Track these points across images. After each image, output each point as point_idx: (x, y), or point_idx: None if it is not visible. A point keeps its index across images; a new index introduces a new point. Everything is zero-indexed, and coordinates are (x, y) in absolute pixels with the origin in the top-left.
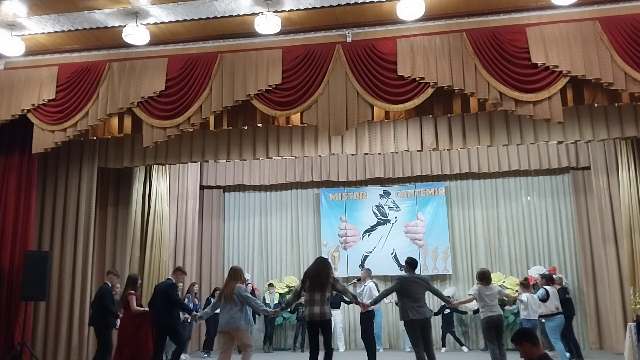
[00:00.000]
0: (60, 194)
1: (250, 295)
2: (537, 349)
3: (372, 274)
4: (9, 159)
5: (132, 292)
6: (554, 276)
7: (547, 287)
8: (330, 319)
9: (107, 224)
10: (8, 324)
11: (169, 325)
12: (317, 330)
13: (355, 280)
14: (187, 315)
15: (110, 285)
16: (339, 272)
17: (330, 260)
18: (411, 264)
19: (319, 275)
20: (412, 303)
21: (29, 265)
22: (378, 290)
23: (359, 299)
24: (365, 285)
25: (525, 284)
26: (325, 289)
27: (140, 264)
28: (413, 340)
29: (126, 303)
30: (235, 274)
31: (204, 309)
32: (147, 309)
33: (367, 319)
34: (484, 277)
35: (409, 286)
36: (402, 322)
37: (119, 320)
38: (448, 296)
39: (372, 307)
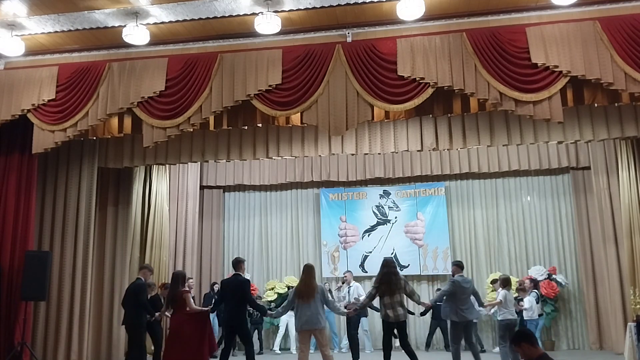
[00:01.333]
0: (60, 194)
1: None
2: (535, 349)
3: (373, 274)
4: (9, 159)
5: (187, 289)
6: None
7: (535, 290)
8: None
9: (107, 224)
10: (8, 324)
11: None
12: (394, 331)
13: (340, 284)
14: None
15: (144, 280)
16: (339, 272)
17: (330, 260)
18: (460, 266)
19: (397, 280)
20: (461, 306)
21: (29, 265)
22: (364, 291)
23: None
24: (350, 287)
25: (523, 288)
26: (402, 292)
27: (140, 264)
28: (454, 337)
29: (181, 301)
30: (313, 271)
31: (203, 305)
32: (204, 308)
33: (355, 318)
34: (509, 283)
35: (461, 289)
36: (449, 321)
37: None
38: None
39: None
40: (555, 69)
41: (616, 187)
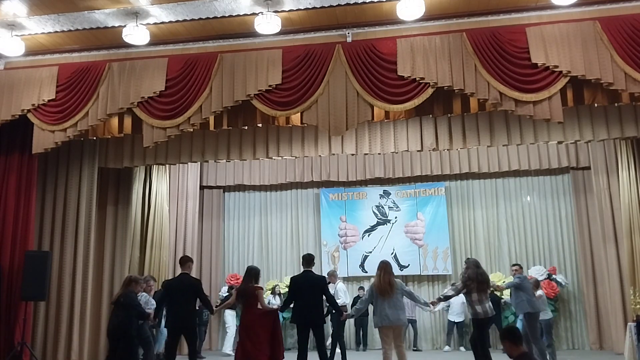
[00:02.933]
0: (60, 194)
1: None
2: (516, 347)
3: (373, 274)
4: (9, 159)
5: (260, 286)
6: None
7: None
8: None
9: (106, 224)
10: (8, 324)
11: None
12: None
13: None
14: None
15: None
16: (339, 272)
17: (330, 260)
18: (521, 266)
19: (487, 278)
20: (532, 298)
21: (29, 265)
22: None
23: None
24: (335, 286)
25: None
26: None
27: (140, 264)
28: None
29: (253, 298)
30: (390, 267)
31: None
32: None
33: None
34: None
35: (527, 283)
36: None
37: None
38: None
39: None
40: (555, 69)
41: (616, 187)
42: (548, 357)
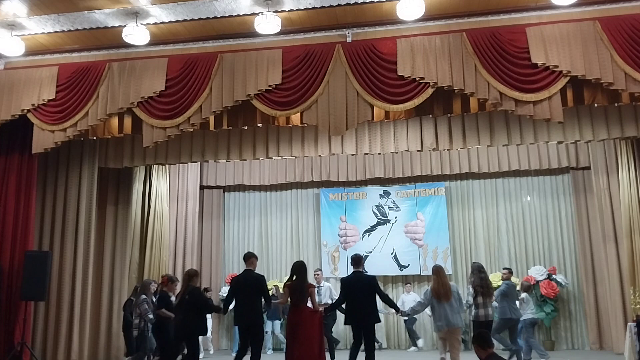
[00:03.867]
0: (60, 194)
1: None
2: (484, 350)
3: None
4: (9, 159)
5: (313, 284)
6: None
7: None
8: None
9: (106, 224)
10: (8, 324)
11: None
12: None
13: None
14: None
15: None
16: (339, 272)
17: (330, 260)
18: (511, 271)
19: (489, 283)
20: (513, 305)
21: (29, 265)
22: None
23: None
24: (320, 287)
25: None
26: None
27: (140, 264)
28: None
29: (307, 295)
30: (443, 271)
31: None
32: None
33: (330, 320)
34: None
35: (513, 291)
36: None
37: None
38: None
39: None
40: (555, 69)
41: (616, 187)
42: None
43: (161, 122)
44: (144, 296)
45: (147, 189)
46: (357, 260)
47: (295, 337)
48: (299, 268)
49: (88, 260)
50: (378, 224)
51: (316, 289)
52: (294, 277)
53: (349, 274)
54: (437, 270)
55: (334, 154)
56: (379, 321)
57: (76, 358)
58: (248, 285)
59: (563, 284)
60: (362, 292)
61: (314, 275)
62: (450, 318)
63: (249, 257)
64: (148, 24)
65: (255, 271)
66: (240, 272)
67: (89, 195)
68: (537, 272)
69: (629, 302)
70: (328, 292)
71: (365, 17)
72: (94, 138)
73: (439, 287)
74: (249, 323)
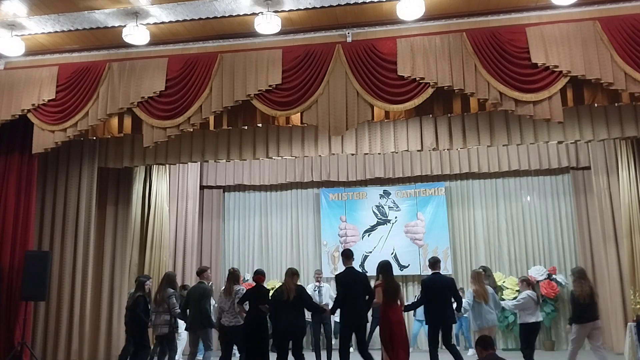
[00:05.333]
0: (60, 194)
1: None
2: (484, 350)
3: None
4: (9, 159)
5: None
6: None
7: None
8: None
9: (106, 224)
10: (8, 324)
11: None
12: None
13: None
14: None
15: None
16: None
17: (330, 260)
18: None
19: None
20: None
21: (29, 265)
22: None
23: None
24: (321, 287)
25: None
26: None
27: (140, 264)
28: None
29: (399, 294)
30: (485, 274)
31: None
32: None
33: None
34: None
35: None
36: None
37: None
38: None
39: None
40: (555, 69)
41: (616, 187)
42: None
43: (161, 122)
44: (171, 290)
45: (147, 189)
46: (434, 263)
47: (397, 335)
48: (385, 268)
49: (88, 260)
50: (378, 224)
51: (317, 290)
52: (380, 277)
53: (343, 270)
54: (477, 275)
55: (334, 154)
56: (455, 322)
57: (76, 358)
58: (354, 283)
59: (563, 284)
60: (442, 293)
61: (315, 276)
62: (489, 317)
63: (350, 256)
64: (148, 24)
65: (170, 273)
66: (343, 271)
67: (89, 195)
68: (537, 272)
69: (629, 302)
70: (328, 293)
71: (365, 17)
72: (94, 138)
73: (482, 289)
74: (358, 323)
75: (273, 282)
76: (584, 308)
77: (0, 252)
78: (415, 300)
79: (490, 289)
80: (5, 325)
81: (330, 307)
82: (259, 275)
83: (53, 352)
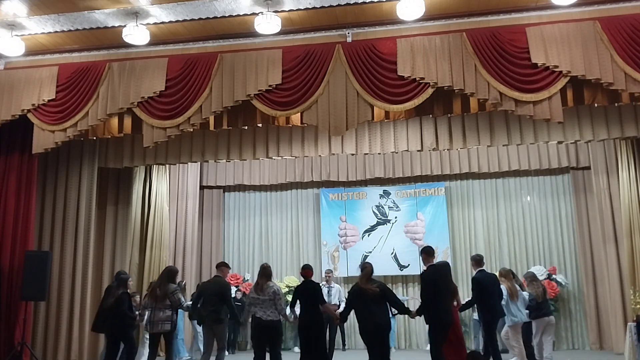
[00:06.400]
0: (60, 194)
1: None
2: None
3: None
4: (9, 159)
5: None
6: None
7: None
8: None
9: (106, 224)
10: (8, 324)
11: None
12: None
13: (324, 282)
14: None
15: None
16: (339, 272)
17: (330, 260)
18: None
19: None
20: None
21: (29, 265)
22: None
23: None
24: (332, 288)
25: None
26: None
27: (140, 264)
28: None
29: (456, 294)
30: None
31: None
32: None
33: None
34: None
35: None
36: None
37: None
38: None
39: None
40: (555, 69)
41: (616, 187)
42: None
43: (161, 122)
44: (174, 285)
45: (147, 189)
46: (478, 260)
47: (455, 336)
48: (445, 268)
49: (88, 260)
50: (378, 224)
51: (327, 290)
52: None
53: (427, 268)
54: (507, 273)
55: (334, 154)
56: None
57: (76, 358)
58: (442, 282)
59: (563, 283)
60: (493, 290)
61: (325, 276)
62: (519, 314)
63: (432, 254)
64: (148, 24)
65: (172, 267)
66: (427, 268)
67: (89, 195)
68: (537, 272)
69: (629, 302)
70: (338, 293)
71: (365, 17)
72: (94, 138)
73: (512, 288)
74: (446, 322)
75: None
76: (540, 306)
77: (0, 252)
78: (469, 299)
79: (517, 287)
80: (5, 325)
81: (339, 308)
82: (307, 270)
83: (53, 352)
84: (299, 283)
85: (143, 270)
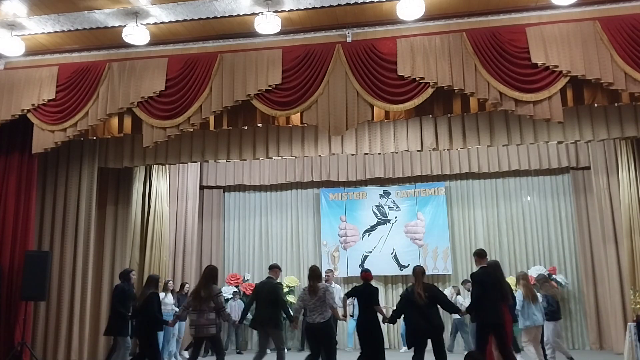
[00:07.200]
0: (60, 194)
1: None
2: None
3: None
4: (9, 159)
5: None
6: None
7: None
8: None
9: (106, 224)
10: (8, 324)
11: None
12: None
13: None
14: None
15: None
16: (339, 272)
17: (330, 260)
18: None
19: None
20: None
21: (29, 265)
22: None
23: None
24: (333, 288)
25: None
26: None
27: (140, 264)
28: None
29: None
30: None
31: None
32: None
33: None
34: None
35: None
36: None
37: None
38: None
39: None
40: (555, 69)
41: (616, 187)
42: None
43: (161, 122)
44: (217, 286)
45: (147, 189)
46: (482, 255)
47: (510, 335)
48: (493, 270)
49: (88, 260)
50: (378, 223)
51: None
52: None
53: (478, 269)
54: (525, 277)
55: (334, 154)
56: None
57: (76, 358)
58: (493, 283)
59: (563, 284)
60: (493, 289)
61: (325, 276)
62: (536, 317)
63: (484, 255)
64: (148, 24)
65: (213, 267)
66: (478, 270)
67: (89, 195)
68: (537, 272)
69: (629, 302)
70: (338, 293)
71: (365, 17)
72: (94, 138)
73: (530, 291)
74: (495, 322)
75: None
76: (559, 306)
77: (0, 252)
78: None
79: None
80: (5, 325)
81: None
82: (368, 273)
83: (53, 352)
84: (358, 285)
85: (143, 270)
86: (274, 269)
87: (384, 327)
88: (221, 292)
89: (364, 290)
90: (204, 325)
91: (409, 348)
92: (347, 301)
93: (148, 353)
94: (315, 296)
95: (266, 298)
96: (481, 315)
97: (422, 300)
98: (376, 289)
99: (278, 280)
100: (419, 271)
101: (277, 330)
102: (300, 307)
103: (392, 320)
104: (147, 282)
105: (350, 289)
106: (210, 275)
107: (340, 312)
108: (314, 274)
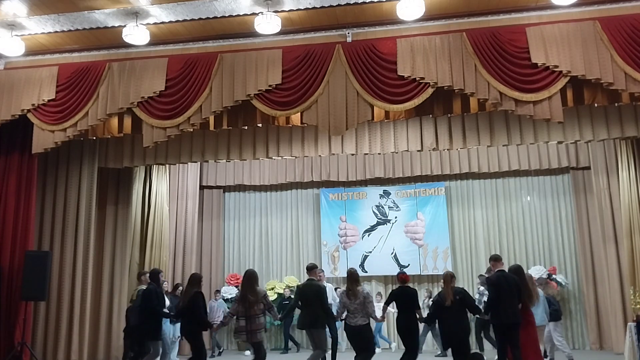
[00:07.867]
0: (60, 194)
1: None
2: None
3: (372, 274)
4: (9, 159)
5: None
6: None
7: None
8: None
9: (106, 224)
10: (8, 324)
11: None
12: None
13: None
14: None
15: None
16: (339, 272)
17: (330, 260)
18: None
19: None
20: None
21: (29, 265)
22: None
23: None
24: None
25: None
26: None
27: (140, 264)
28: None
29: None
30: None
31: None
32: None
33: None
34: None
35: None
36: None
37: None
38: None
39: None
40: (555, 69)
41: (616, 187)
42: None
43: (161, 122)
44: (262, 289)
45: (147, 189)
46: (497, 259)
47: (531, 339)
48: (518, 270)
49: (88, 260)
50: (378, 223)
51: None
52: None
53: (493, 273)
54: (530, 278)
55: (334, 154)
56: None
57: (76, 358)
58: (509, 286)
59: (563, 284)
60: (510, 291)
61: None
62: (539, 317)
63: (499, 260)
64: (148, 24)
65: (253, 270)
66: (496, 273)
67: (89, 195)
68: (537, 272)
69: (629, 302)
70: (332, 293)
71: (365, 17)
72: (94, 138)
73: (531, 291)
74: (512, 322)
75: (273, 282)
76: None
77: (0, 252)
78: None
79: (540, 291)
80: (5, 325)
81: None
82: (405, 275)
83: (53, 352)
84: (396, 287)
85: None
86: (313, 269)
87: (384, 327)
88: (266, 292)
89: (403, 294)
90: (256, 330)
91: (445, 350)
92: (387, 308)
93: (194, 354)
94: (356, 299)
95: (313, 299)
96: (496, 317)
97: (452, 304)
98: (415, 292)
99: (321, 283)
100: (448, 275)
101: (323, 331)
102: (342, 310)
103: (429, 322)
104: (190, 281)
105: (388, 294)
106: (253, 278)
107: (378, 314)
108: (352, 277)
